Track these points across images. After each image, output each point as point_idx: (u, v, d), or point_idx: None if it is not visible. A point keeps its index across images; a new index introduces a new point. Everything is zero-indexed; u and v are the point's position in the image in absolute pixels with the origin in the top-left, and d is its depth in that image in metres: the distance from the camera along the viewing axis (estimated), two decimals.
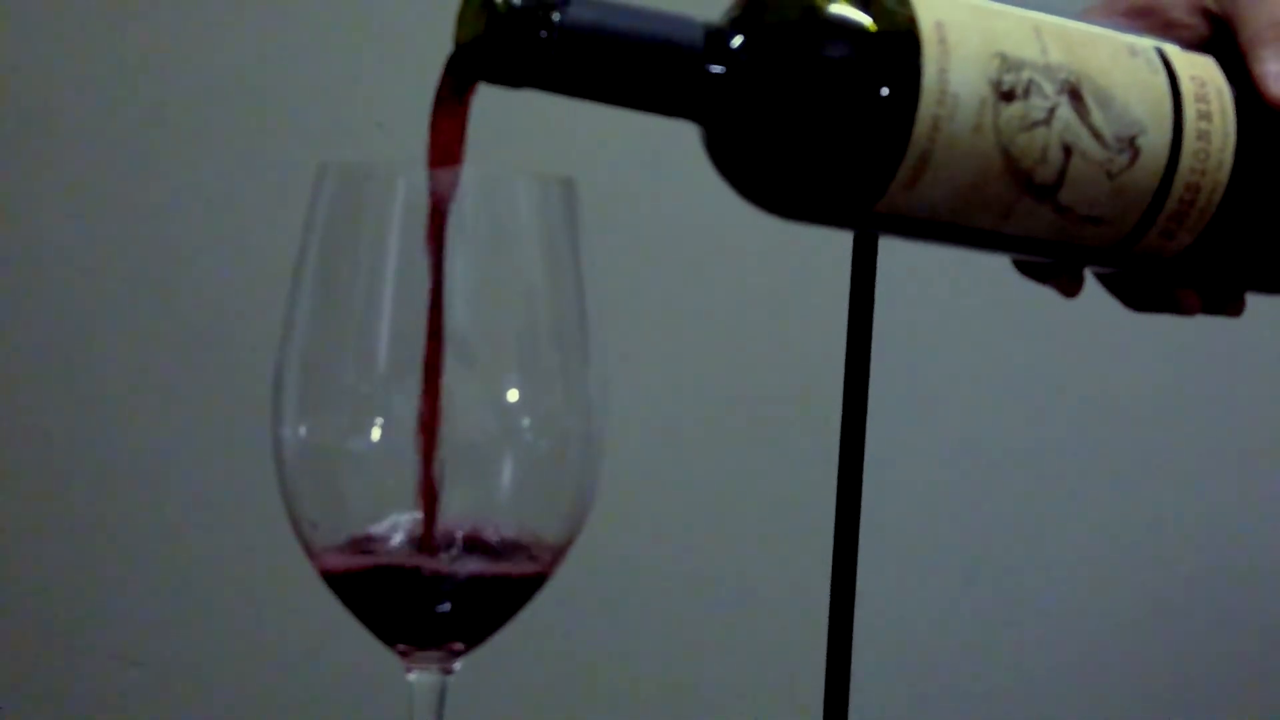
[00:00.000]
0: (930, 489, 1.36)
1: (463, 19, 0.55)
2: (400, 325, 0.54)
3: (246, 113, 1.30)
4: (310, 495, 0.56)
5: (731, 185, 0.60)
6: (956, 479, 1.36)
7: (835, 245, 1.31)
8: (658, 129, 0.64)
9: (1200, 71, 0.64)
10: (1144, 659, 1.37)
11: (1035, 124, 0.59)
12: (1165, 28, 0.67)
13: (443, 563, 0.55)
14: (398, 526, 0.55)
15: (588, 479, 0.57)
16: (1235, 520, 1.37)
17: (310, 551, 0.56)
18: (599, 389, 0.57)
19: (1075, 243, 0.63)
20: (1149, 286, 0.70)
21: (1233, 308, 0.72)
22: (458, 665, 0.58)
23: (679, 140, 0.63)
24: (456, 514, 0.55)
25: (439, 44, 0.55)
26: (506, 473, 0.55)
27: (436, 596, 0.55)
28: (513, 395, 0.55)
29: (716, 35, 0.57)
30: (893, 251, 1.32)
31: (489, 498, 0.56)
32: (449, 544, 0.55)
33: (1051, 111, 0.59)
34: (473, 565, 0.55)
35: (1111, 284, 0.72)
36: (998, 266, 0.71)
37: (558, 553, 0.57)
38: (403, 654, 0.57)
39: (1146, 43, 0.64)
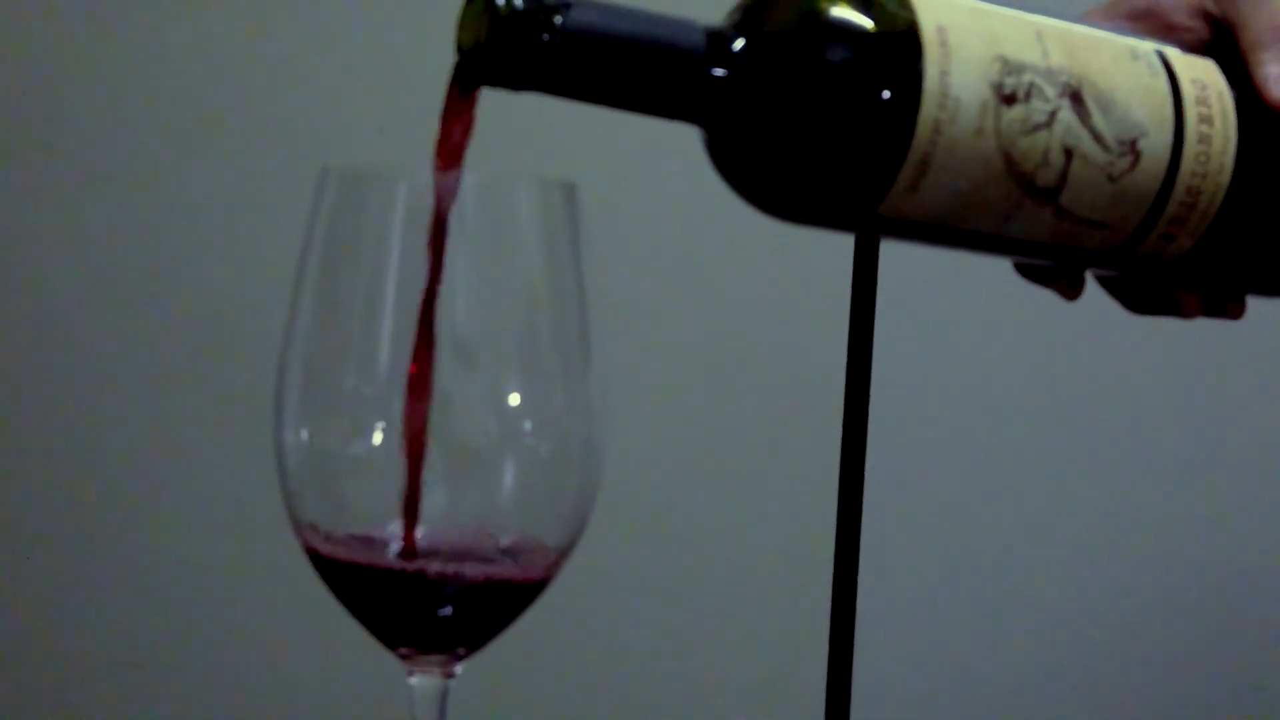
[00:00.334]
0: (932, 492, 1.36)
1: (465, 23, 0.55)
2: (402, 329, 0.54)
3: (249, 117, 1.30)
4: (312, 498, 0.56)
5: (733, 188, 0.60)
6: (958, 481, 1.36)
7: (837, 248, 1.31)
8: (659, 132, 0.64)
9: (1201, 75, 0.64)
10: (1147, 662, 1.37)
11: (1037, 127, 0.59)
12: (1166, 31, 0.67)
13: (444, 566, 0.55)
14: (400, 530, 0.55)
15: (589, 482, 0.57)
16: (1238, 523, 1.37)
17: (312, 555, 0.56)
18: (600, 392, 0.57)
19: (1076, 246, 0.63)
20: (1150, 289, 0.70)
21: (1233, 310, 0.72)
22: (459, 669, 0.58)
23: (681, 143, 0.63)
24: (458, 517, 0.55)
25: (441, 48, 0.55)
26: (508, 476, 0.55)
27: (439, 601, 0.55)
28: (514, 399, 0.55)
29: (718, 38, 0.57)
30: (894, 255, 1.32)
31: (490, 501, 0.56)
32: (451, 548, 0.55)
33: (1053, 115, 0.59)
34: (475, 569, 0.55)
35: (1112, 287, 0.72)
36: (999, 269, 0.71)
37: (559, 556, 0.57)
38: (404, 658, 0.57)
39: (1148, 46, 0.64)
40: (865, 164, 0.58)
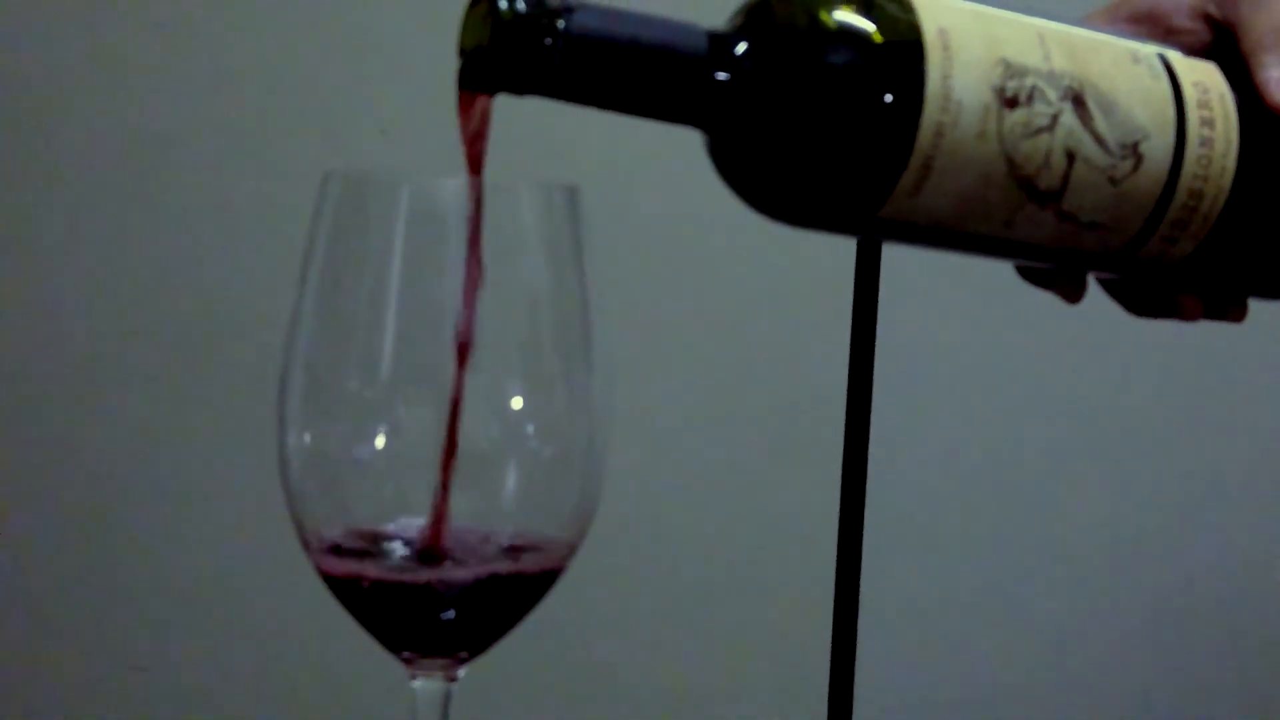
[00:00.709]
0: (934, 492, 1.36)
1: (467, 27, 0.55)
2: (404, 333, 0.54)
3: (250, 120, 1.30)
4: (315, 502, 0.56)
5: (735, 192, 0.60)
6: (960, 481, 1.36)
7: (839, 251, 1.31)
8: (662, 136, 0.64)
9: (1203, 77, 0.64)
10: (1148, 660, 1.37)
11: (1039, 130, 0.59)
12: (1168, 34, 0.67)
13: (447, 570, 0.55)
14: (402, 534, 0.55)
15: (592, 485, 0.57)
16: (1240, 523, 1.37)
17: (314, 558, 0.56)
18: (603, 395, 0.57)
19: (1078, 249, 0.63)
20: (1151, 292, 0.70)
21: (1235, 313, 0.72)
22: (462, 672, 0.58)
23: (683, 147, 0.63)
24: (460, 521, 0.55)
25: (444, 52, 0.55)
26: (510, 479, 0.55)
27: (441, 604, 0.55)
28: (517, 402, 0.55)
29: (720, 42, 0.57)
30: (896, 257, 1.32)
31: (493, 505, 0.56)
32: (453, 551, 0.55)
33: (1055, 118, 0.59)
34: (477, 573, 0.55)
35: (1114, 289, 0.72)
36: (1001, 272, 0.71)
37: (562, 559, 0.57)
38: (407, 661, 0.57)
39: (1149, 49, 0.64)
40: (867, 167, 0.58)
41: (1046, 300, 0.71)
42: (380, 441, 0.55)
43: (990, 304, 1.32)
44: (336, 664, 1.27)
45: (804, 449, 1.34)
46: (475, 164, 0.54)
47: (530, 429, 0.55)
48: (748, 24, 0.58)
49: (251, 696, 1.33)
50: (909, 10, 0.58)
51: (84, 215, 1.31)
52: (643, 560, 1.33)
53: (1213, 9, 0.67)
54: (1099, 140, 0.60)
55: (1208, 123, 0.63)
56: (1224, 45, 0.66)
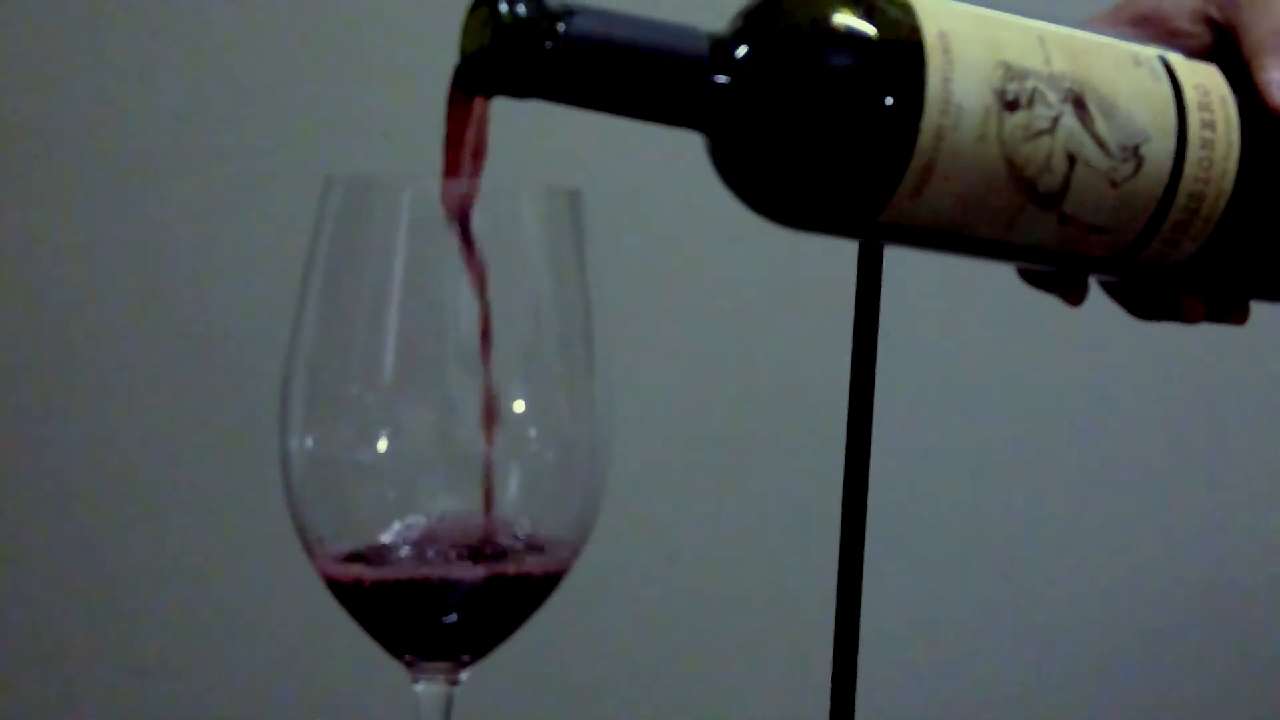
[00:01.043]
0: (935, 495, 1.36)
1: (468, 30, 0.55)
2: (406, 337, 0.54)
3: (253, 124, 1.31)
4: (316, 506, 0.56)
5: (736, 195, 0.60)
6: (962, 484, 1.36)
7: (840, 255, 1.31)
8: (663, 139, 0.64)
9: (1204, 80, 0.64)
10: (1150, 662, 1.37)
11: (1039, 133, 0.59)
12: (1169, 36, 0.67)
13: (449, 573, 0.55)
14: (404, 538, 0.55)
15: (594, 489, 0.57)
16: (1243, 525, 1.37)
17: (316, 562, 0.56)
18: (605, 399, 0.57)
19: (1080, 251, 0.63)
20: (1153, 294, 0.70)
21: (1237, 316, 0.72)
22: (464, 676, 0.58)
23: (684, 150, 0.63)
24: (463, 525, 0.55)
25: (446, 55, 0.55)
26: (513, 483, 0.55)
27: (443, 608, 0.55)
28: (519, 406, 0.55)
29: (721, 45, 0.57)
30: (898, 260, 1.32)
31: (495, 508, 0.56)
32: (456, 554, 0.55)
33: (1055, 120, 0.59)
34: (479, 576, 0.55)
35: (1116, 292, 0.72)
36: (1002, 275, 0.71)
37: (564, 563, 0.57)
38: (409, 664, 0.57)
39: (1150, 51, 0.64)
40: (868, 170, 0.58)
41: (1048, 303, 0.71)
42: (382, 445, 0.55)
43: (991, 307, 1.32)
44: (338, 667, 1.27)
45: (806, 452, 1.34)
46: (467, 166, 0.54)
47: (533, 432, 0.55)
48: (748, 27, 0.58)
49: (254, 701, 1.33)
50: (909, 13, 0.58)
51: (87, 219, 1.31)
52: (645, 564, 1.33)
53: (1214, 12, 0.67)
54: (1100, 143, 0.60)
55: (1209, 125, 0.63)
56: (1225, 48, 0.67)
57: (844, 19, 0.57)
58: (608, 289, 0.57)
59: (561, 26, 0.54)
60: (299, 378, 0.56)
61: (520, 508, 0.56)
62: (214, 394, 1.31)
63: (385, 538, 0.55)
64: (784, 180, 0.59)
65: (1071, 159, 0.60)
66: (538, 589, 0.57)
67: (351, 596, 0.56)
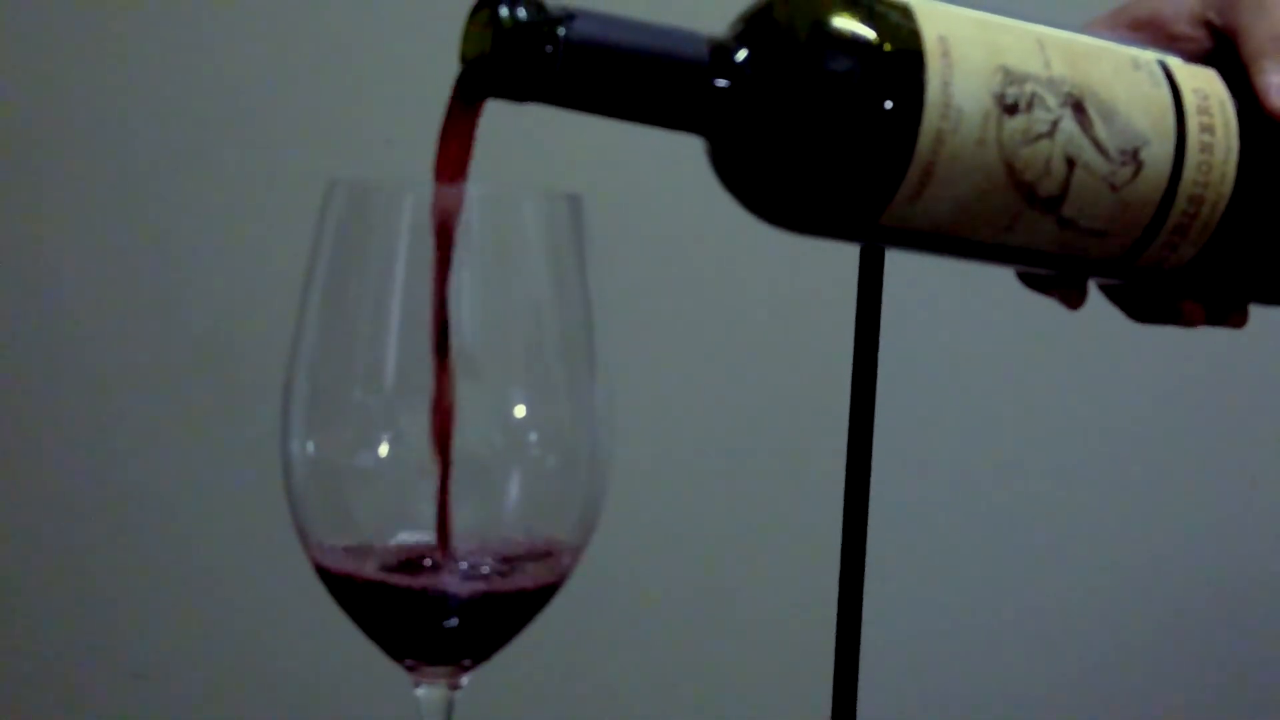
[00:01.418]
0: (936, 497, 1.36)
1: (468, 35, 0.55)
2: (408, 341, 0.54)
3: (255, 129, 1.31)
4: (318, 510, 0.56)
5: (736, 199, 0.60)
6: (962, 487, 1.36)
7: (841, 258, 1.31)
8: (663, 143, 0.64)
9: (1203, 84, 0.64)
10: (1150, 663, 1.37)
11: (1038, 137, 0.59)
12: (1168, 41, 0.67)
13: (450, 579, 0.55)
14: (405, 542, 0.55)
15: (595, 493, 0.57)
16: (1243, 527, 1.37)
17: (317, 566, 0.56)
18: (606, 403, 0.57)
19: (1079, 255, 0.63)
20: (1152, 298, 0.70)
21: (1236, 319, 0.72)
22: (465, 680, 0.58)
23: (684, 154, 0.63)
24: (464, 529, 0.55)
25: (447, 60, 0.55)
26: (514, 487, 0.55)
27: (444, 612, 0.55)
28: (520, 410, 0.55)
29: (721, 50, 0.57)
30: (898, 264, 1.32)
31: (496, 512, 0.56)
32: (457, 559, 0.55)
33: (1055, 124, 0.59)
34: (480, 581, 0.55)
35: (1115, 295, 0.72)
36: (1002, 278, 0.71)
37: (566, 567, 0.57)
38: (410, 669, 0.57)
39: (1149, 56, 0.64)
40: (868, 174, 0.58)
41: (1047, 306, 0.71)
42: (384, 450, 0.55)
43: (991, 311, 1.32)
44: (339, 672, 1.27)
45: (808, 455, 1.34)
46: (459, 170, 0.54)
47: (534, 437, 0.55)
48: (748, 31, 0.58)
49: (253, 704, 1.33)
50: (909, 17, 0.58)
51: (90, 225, 1.31)
52: (647, 567, 1.33)
53: (1213, 16, 0.68)
54: (1099, 147, 0.60)
55: (1208, 129, 0.63)
56: (1224, 52, 0.67)
57: (844, 23, 0.57)
58: (609, 293, 0.57)
59: (562, 30, 0.54)
60: (300, 382, 0.56)
61: (521, 511, 0.56)
62: (215, 398, 1.31)
63: (386, 542, 0.55)
64: (784, 184, 0.59)
65: (1071, 163, 0.60)
66: (539, 593, 0.57)
67: (352, 600, 0.56)
